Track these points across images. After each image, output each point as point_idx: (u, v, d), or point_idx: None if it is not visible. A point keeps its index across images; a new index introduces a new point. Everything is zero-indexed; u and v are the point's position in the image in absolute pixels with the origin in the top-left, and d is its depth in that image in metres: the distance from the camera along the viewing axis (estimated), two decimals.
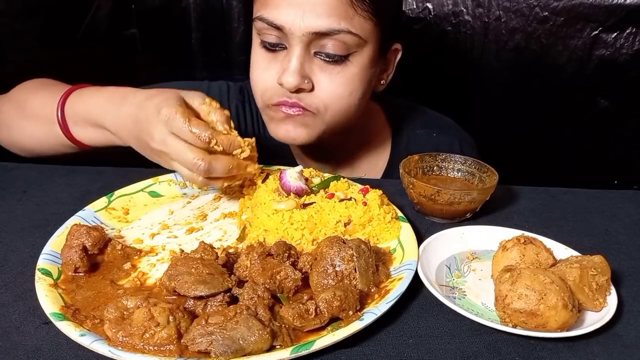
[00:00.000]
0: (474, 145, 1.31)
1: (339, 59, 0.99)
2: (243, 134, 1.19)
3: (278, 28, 0.97)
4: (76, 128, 1.02)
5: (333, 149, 1.20)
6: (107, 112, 0.96)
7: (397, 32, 1.12)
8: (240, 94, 1.25)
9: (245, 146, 0.88)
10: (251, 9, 1.06)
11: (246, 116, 1.25)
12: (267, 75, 1.02)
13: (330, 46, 0.97)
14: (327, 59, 0.99)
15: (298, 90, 1.00)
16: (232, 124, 0.90)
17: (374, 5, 0.97)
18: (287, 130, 1.06)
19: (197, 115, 0.88)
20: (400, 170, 0.97)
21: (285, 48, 1.00)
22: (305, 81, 0.99)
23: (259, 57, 1.05)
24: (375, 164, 1.28)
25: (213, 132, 0.85)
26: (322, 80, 1.00)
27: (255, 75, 1.05)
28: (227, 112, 0.90)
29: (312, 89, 1.00)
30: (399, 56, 1.14)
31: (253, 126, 1.25)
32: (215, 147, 0.84)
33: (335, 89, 1.01)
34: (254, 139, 0.91)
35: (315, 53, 0.99)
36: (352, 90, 1.03)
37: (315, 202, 0.88)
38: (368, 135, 1.26)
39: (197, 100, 0.90)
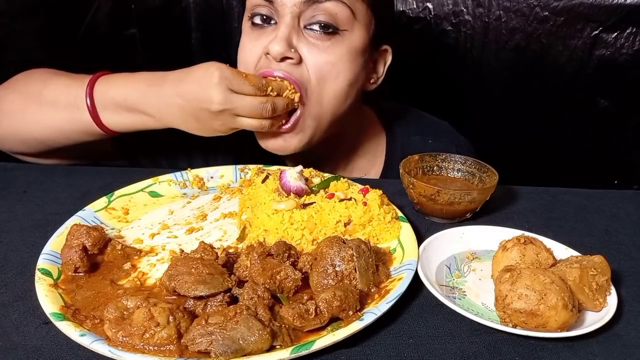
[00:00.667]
0: (471, 149, 1.30)
1: (328, 33, 0.98)
2: (247, 136, 1.18)
3: (269, 1, 0.97)
4: (106, 113, 1.01)
5: (327, 154, 1.19)
6: (148, 95, 0.97)
7: (389, 32, 1.12)
8: None
9: (291, 87, 0.98)
10: None
11: None
12: (255, 50, 1.02)
13: (320, 17, 0.97)
14: (317, 31, 0.98)
15: (283, 59, 0.98)
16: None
17: None
18: (274, 140, 1.04)
19: None
20: (400, 170, 0.97)
21: (275, 23, 1.00)
22: (292, 50, 0.98)
23: (246, 36, 1.05)
24: (369, 170, 1.26)
25: (264, 80, 0.94)
26: (310, 53, 0.99)
27: (243, 54, 1.05)
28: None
29: (299, 62, 0.99)
30: (389, 59, 1.14)
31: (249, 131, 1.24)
32: (271, 93, 0.95)
33: (323, 66, 1.00)
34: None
35: (305, 27, 0.99)
36: (339, 72, 1.01)
37: (315, 202, 0.88)
38: (362, 140, 1.25)
39: None
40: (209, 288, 0.68)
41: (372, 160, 1.27)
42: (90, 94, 1.00)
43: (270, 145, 1.06)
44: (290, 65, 0.99)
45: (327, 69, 1.00)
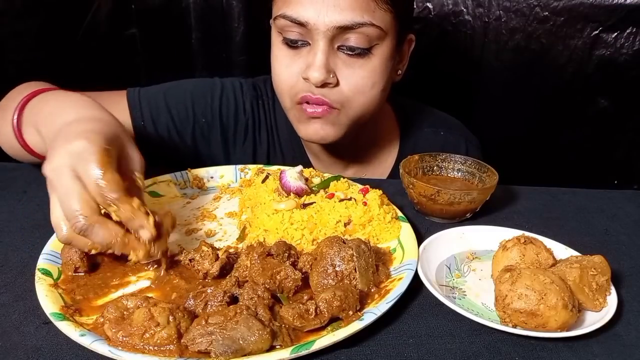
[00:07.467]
0: (479, 146, 1.32)
1: (362, 52, 1.00)
2: (258, 131, 1.14)
3: (301, 24, 0.98)
4: (26, 130, 0.92)
5: (345, 146, 1.20)
6: (49, 121, 0.82)
7: (411, 23, 1.13)
8: (254, 91, 1.25)
9: (150, 226, 0.70)
10: (268, 7, 1.07)
11: (260, 113, 1.25)
12: (291, 71, 1.03)
13: (353, 39, 0.99)
14: (350, 53, 1.00)
15: (323, 85, 1.01)
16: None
17: None
18: (315, 130, 1.07)
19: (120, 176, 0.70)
20: (400, 170, 0.97)
21: (308, 44, 1.01)
22: (331, 75, 1.00)
23: (281, 54, 1.05)
24: (383, 161, 1.29)
25: (121, 198, 0.68)
26: (346, 74, 1.01)
27: (280, 72, 1.06)
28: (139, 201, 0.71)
29: (337, 84, 1.02)
30: (412, 46, 1.15)
31: (267, 122, 1.25)
32: (113, 214, 0.68)
33: (359, 81, 1.02)
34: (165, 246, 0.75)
35: (339, 47, 1.00)
36: (374, 83, 1.04)
37: (315, 202, 0.88)
38: (379, 133, 1.27)
39: (138, 165, 0.77)
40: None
41: (387, 150, 1.30)
42: (20, 110, 0.92)
43: (310, 133, 1.08)
44: (329, 89, 1.02)
45: (363, 83, 1.03)
